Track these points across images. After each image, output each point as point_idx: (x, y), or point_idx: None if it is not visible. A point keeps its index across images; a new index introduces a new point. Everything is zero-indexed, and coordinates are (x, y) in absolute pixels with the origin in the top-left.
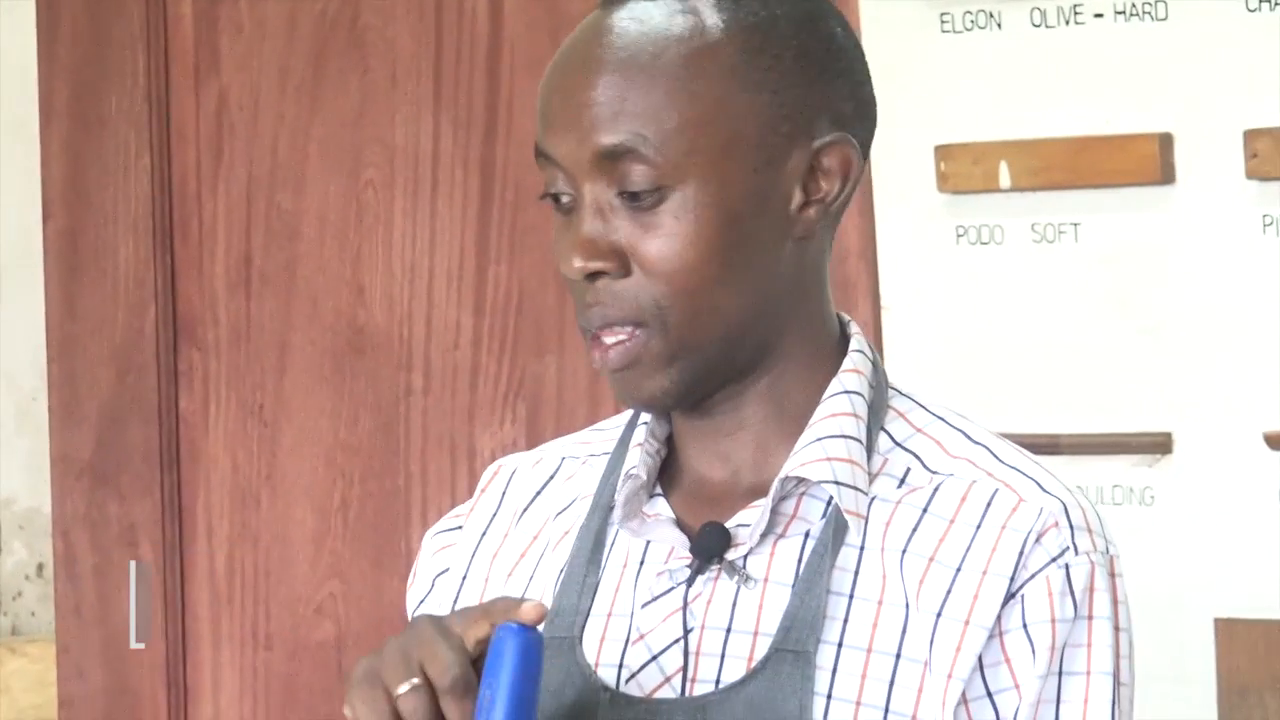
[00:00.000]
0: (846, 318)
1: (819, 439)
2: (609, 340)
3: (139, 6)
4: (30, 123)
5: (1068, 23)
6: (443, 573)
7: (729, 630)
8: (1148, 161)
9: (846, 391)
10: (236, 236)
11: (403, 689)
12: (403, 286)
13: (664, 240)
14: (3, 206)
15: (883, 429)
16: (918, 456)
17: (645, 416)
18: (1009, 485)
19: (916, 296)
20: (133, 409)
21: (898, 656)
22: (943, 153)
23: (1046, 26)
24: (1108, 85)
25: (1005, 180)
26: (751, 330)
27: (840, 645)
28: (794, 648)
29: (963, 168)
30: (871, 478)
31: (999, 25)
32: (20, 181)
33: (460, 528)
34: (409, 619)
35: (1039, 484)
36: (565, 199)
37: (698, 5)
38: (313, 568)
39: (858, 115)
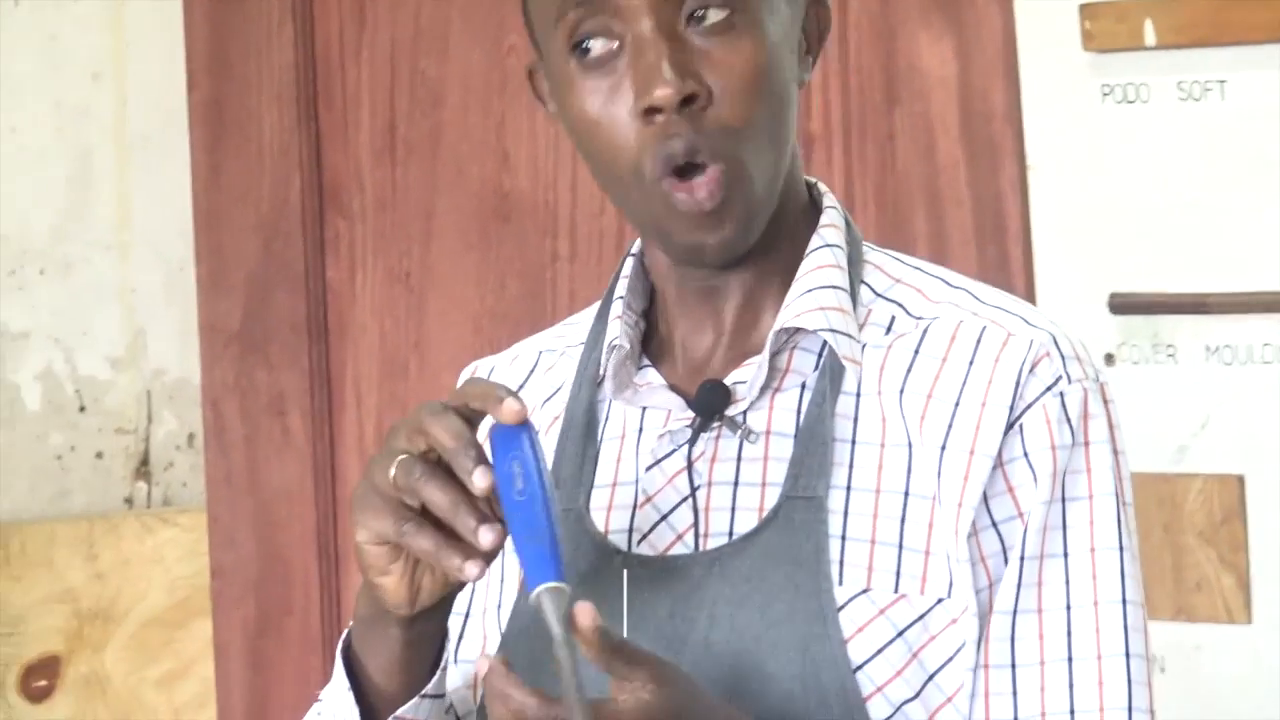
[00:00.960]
0: (812, 179)
1: (809, 290)
2: (698, 178)
3: None
4: None
5: None
6: None
7: (736, 484)
8: None
9: (828, 245)
10: (381, 104)
11: (391, 470)
12: (547, 153)
13: (742, 64)
14: (146, 77)
15: (862, 282)
16: (900, 304)
17: (620, 291)
18: (995, 322)
19: (1062, 156)
20: (280, 278)
21: (906, 494)
22: (1087, 11)
23: None
24: None
25: (1150, 38)
26: (781, 181)
27: (849, 489)
28: (804, 494)
29: (1108, 26)
30: (860, 328)
31: None
32: (165, 52)
33: None
34: None
35: (1024, 319)
36: (600, 47)
37: None
38: None
39: None
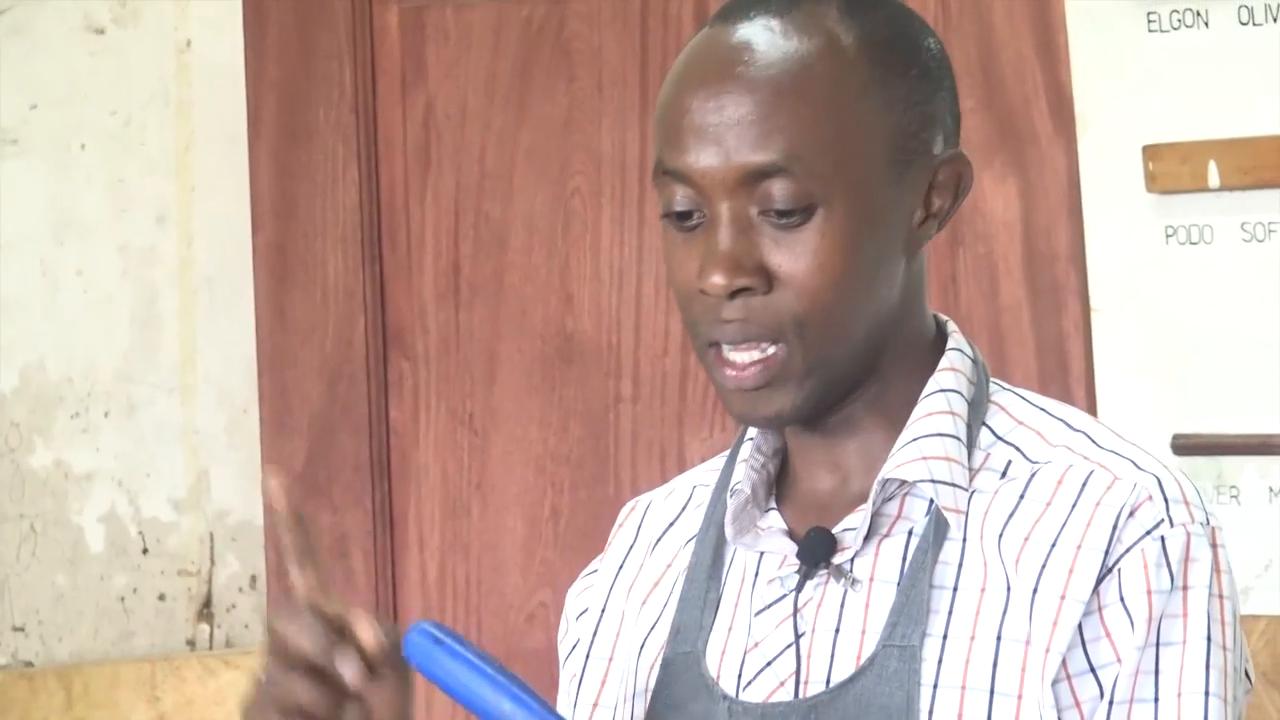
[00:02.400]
0: (944, 318)
1: (914, 439)
2: (743, 359)
3: (345, 17)
4: (239, 136)
5: (1275, 19)
6: (581, 614)
7: (837, 631)
8: None
9: (943, 390)
10: (445, 246)
11: (260, 676)
12: (611, 294)
13: (810, 257)
14: (212, 220)
15: (985, 424)
16: (1018, 449)
17: (752, 432)
18: (1104, 466)
19: (1126, 298)
20: (343, 419)
21: (999, 638)
22: (1151, 153)
23: (1254, 24)
24: None
25: (1214, 179)
26: (872, 340)
27: (945, 637)
28: (900, 643)
29: (1171, 167)
30: (974, 473)
31: (1206, 24)
32: (229, 195)
33: (596, 571)
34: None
35: (1134, 462)
36: (692, 216)
37: (825, 20)
38: (524, 577)
39: (957, 130)
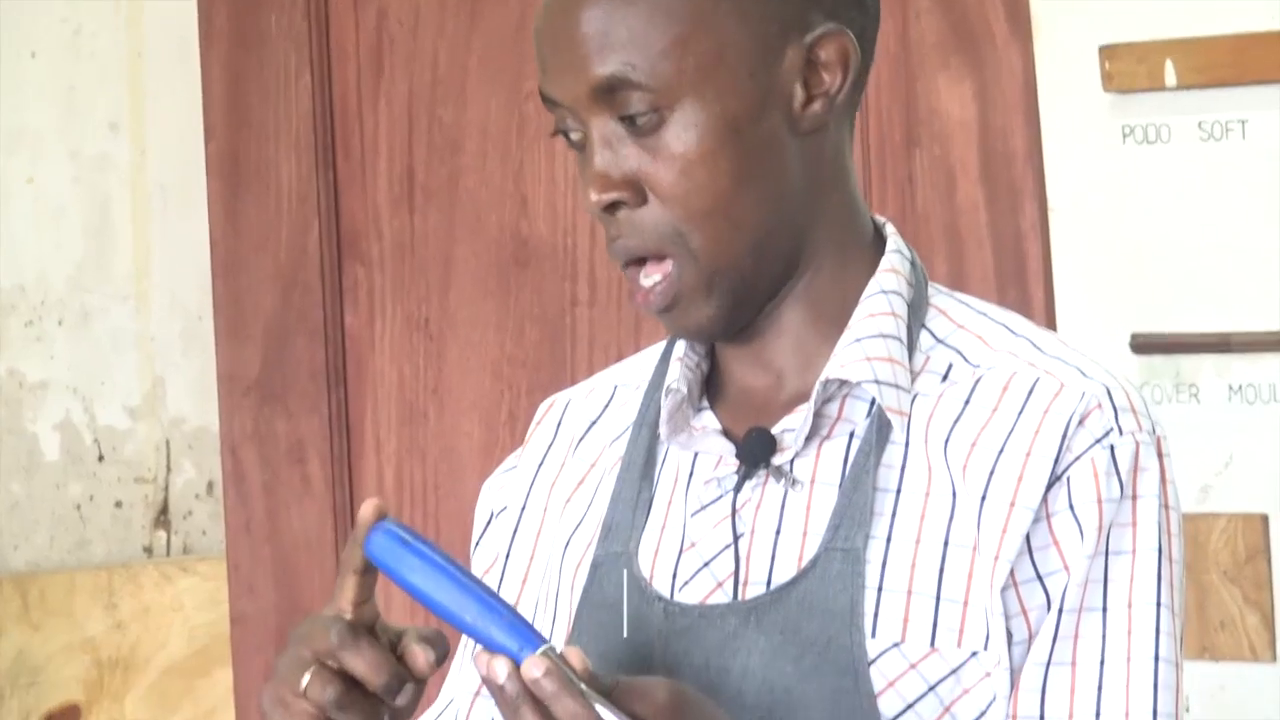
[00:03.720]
0: (881, 219)
1: (858, 339)
2: (646, 283)
3: None
4: (191, 43)
5: None
6: (501, 510)
7: (778, 533)
8: None
9: (884, 291)
10: (399, 151)
11: (304, 681)
12: (565, 197)
13: (671, 162)
14: (165, 127)
15: (924, 327)
16: (960, 352)
17: None
18: (1050, 373)
19: (1083, 198)
20: (298, 326)
21: (946, 543)
22: (1107, 53)
23: None
24: None
25: (1171, 79)
26: (777, 237)
27: (889, 539)
28: (843, 545)
29: (1128, 67)
30: (914, 375)
31: None
32: (182, 102)
33: (515, 468)
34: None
35: (1081, 370)
36: (575, 135)
37: None
38: (481, 481)
39: (853, 4)
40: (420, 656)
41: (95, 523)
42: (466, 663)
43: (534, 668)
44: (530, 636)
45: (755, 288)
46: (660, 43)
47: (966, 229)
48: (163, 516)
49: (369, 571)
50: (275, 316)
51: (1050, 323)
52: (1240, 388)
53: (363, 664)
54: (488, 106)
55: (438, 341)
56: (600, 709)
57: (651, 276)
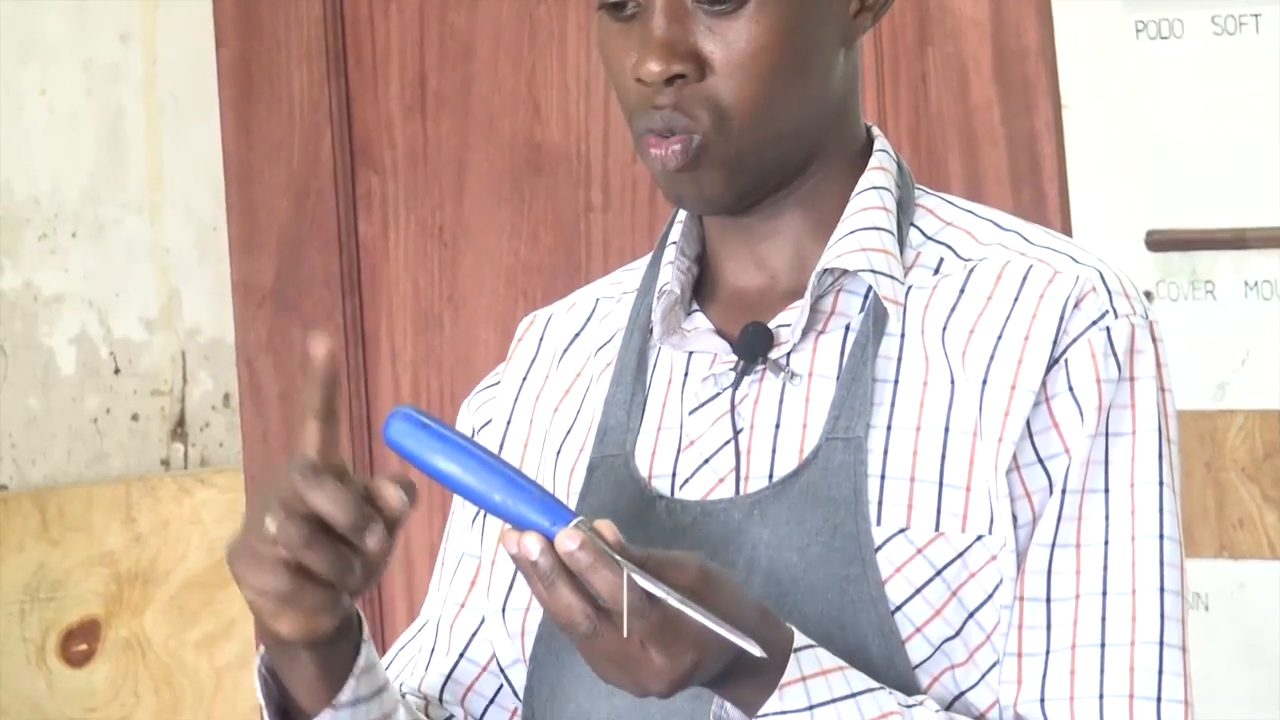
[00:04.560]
0: (870, 124)
1: (852, 231)
2: (665, 141)
3: None
4: None
5: None
6: (484, 425)
7: (778, 426)
8: None
9: (875, 187)
10: (410, 58)
11: (270, 526)
12: (579, 102)
13: (743, 44)
14: (176, 37)
15: (913, 225)
16: (950, 247)
17: (675, 236)
18: (1043, 260)
19: (1097, 94)
20: (312, 235)
21: (946, 430)
22: None
23: None
24: None
25: None
26: (804, 136)
27: (889, 428)
28: (843, 435)
29: None
30: (906, 270)
31: None
32: (193, 11)
33: (498, 383)
34: None
35: (1072, 257)
36: (627, 7)
37: None
38: None
39: None
40: (391, 492)
41: (112, 436)
42: (444, 583)
43: (568, 540)
44: (561, 512)
45: (768, 178)
46: None
47: (980, 127)
48: (180, 429)
49: (330, 417)
50: (289, 226)
51: (1065, 220)
52: (1256, 284)
53: (328, 501)
54: (499, 11)
55: (452, 249)
56: (637, 578)
57: (678, 136)
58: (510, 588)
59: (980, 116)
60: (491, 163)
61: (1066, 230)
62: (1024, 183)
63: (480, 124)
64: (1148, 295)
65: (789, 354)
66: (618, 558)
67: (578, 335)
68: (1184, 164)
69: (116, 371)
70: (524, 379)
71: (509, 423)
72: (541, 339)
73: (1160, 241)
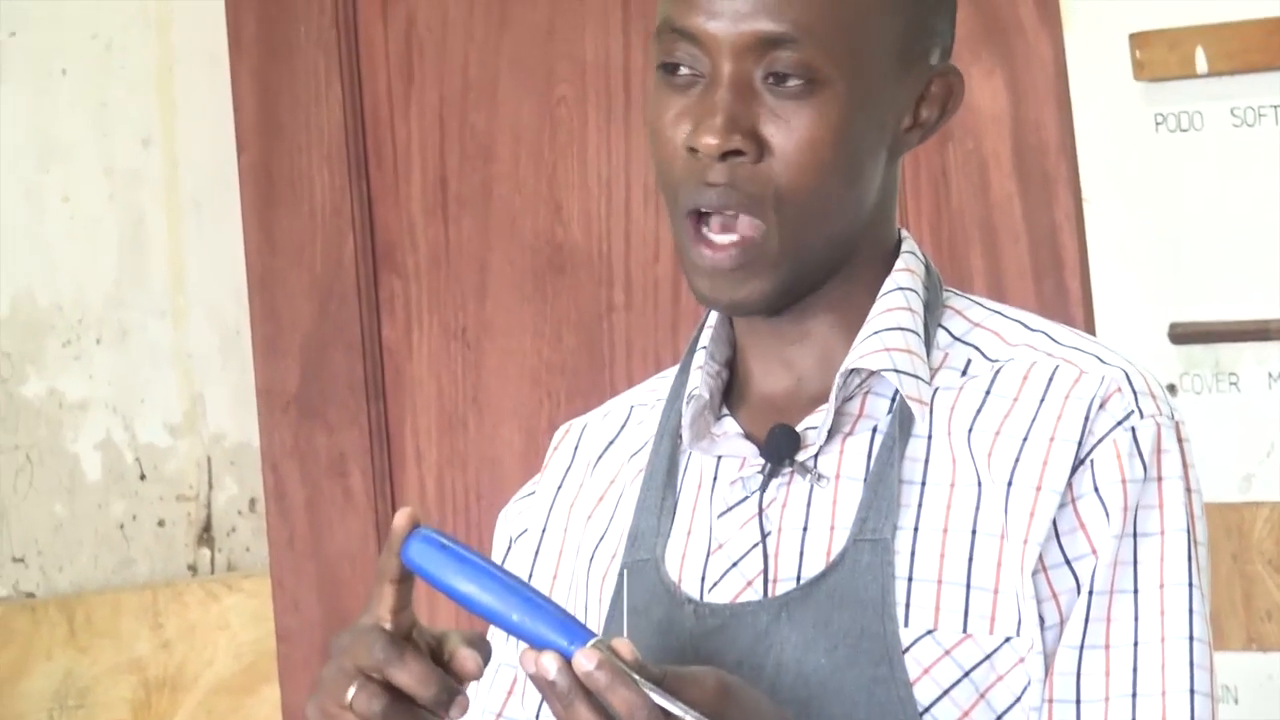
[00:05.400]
0: (903, 231)
1: (876, 332)
2: (721, 239)
3: None
4: (221, 55)
5: None
6: (520, 534)
7: (805, 529)
8: None
9: (900, 288)
10: (431, 160)
11: (349, 695)
12: (600, 202)
13: (805, 131)
14: (197, 140)
15: (941, 326)
16: (977, 348)
17: (704, 340)
18: (1069, 361)
19: (1117, 188)
20: (336, 338)
21: (974, 532)
22: (1138, 40)
23: None
24: None
25: (1202, 65)
26: (843, 239)
27: (916, 530)
28: (870, 537)
29: (1158, 54)
30: (933, 372)
31: None
32: (213, 115)
33: (534, 493)
34: None
35: (1098, 357)
36: (688, 72)
37: None
38: None
39: (951, 48)
40: (469, 661)
41: (139, 542)
42: (481, 692)
43: (586, 660)
44: (578, 631)
45: (811, 277)
46: (836, 18)
47: (1001, 222)
48: (206, 534)
49: (406, 579)
50: (312, 329)
51: (1088, 314)
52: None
53: (410, 678)
54: (519, 112)
55: (475, 350)
56: (655, 697)
57: (729, 235)
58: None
59: (1001, 211)
60: (513, 263)
61: (1089, 324)
62: (1046, 277)
63: (502, 225)
64: (1171, 389)
65: (816, 456)
66: (635, 676)
67: (612, 443)
68: (1206, 256)
69: (142, 477)
70: (559, 488)
71: (544, 531)
72: (577, 448)
73: (1183, 334)
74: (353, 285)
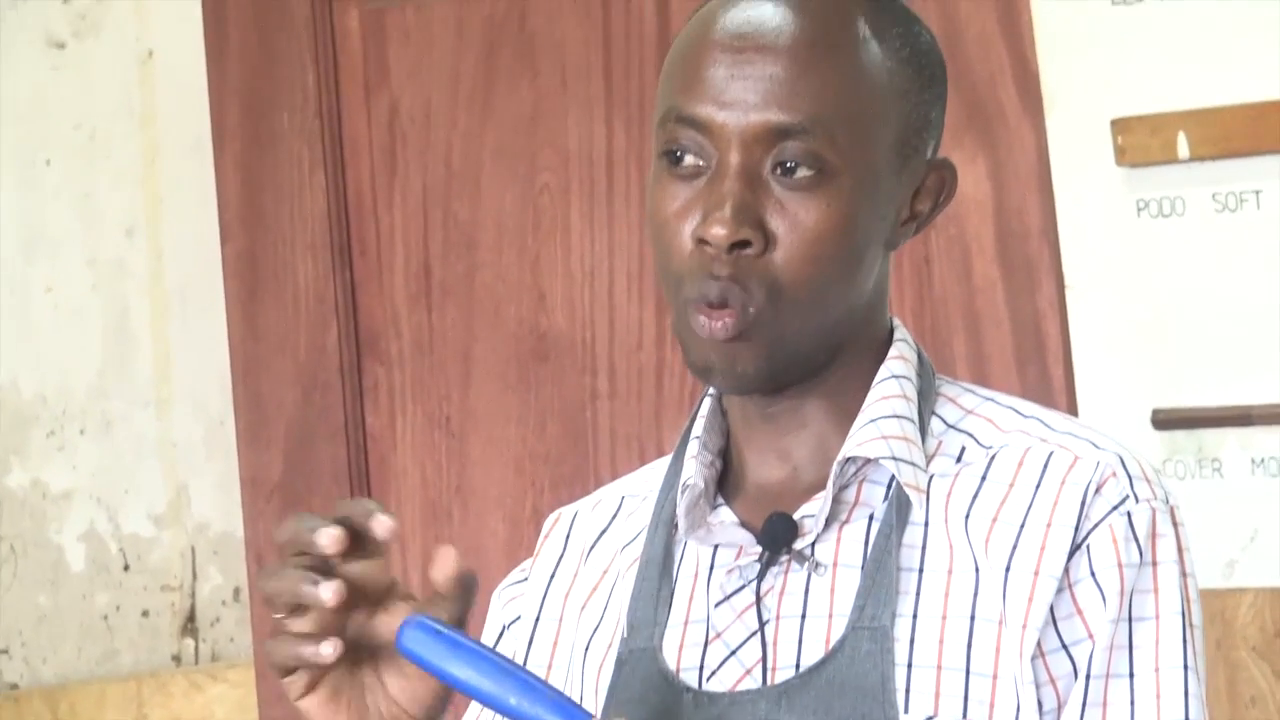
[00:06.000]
0: (895, 320)
1: (872, 420)
2: (717, 312)
3: (306, 21)
4: (204, 145)
5: None
6: (513, 621)
7: (804, 616)
8: None
9: (895, 376)
10: (415, 248)
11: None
12: (583, 290)
13: (812, 223)
14: (181, 230)
15: (935, 413)
16: (971, 435)
17: (697, 430)
18: (1064, 446)
19: (1100, 273)
20: (320, 427)
21: (972, 618)
22: (1119, 126)
23: None
24: None
25: (1184, 150)
26: (840, 327)
27: (915, 616)
28: (870, 624)
29: (1140, 140)
30: (929, 459)
31: None
32: (197, 205)
33: (526, 579)
34: None
35: (1093, 443)
36: (693, 161)
37: (852, 4)
38: None
39: (940, 141)
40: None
41: (123, 632)
42: None
43: None
44: (576, 712)
45: (805, 364)
46: (846, 110)
47: (984, 308)
48: (190, 624)
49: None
50: (296, 418)
51: (1071, 400)
52: (1263, 461)
53: (328, 538)
54: (502, 200)
55: (459, 439)
56: None
57: (729, 308)
58: None
59: (984, 297)
60: (497, 352)
61: (1073, 410)
62: (1029, 363)
63: (485, 313)
64: None
65: (813, 544)
66: None
67: (604, 532)
68: (1188, 341)
69: (126, 568)
70: (552, 576)
71: (538, 620)
72: (569, 536)
73: (1167, 420)
74: (336, 374)
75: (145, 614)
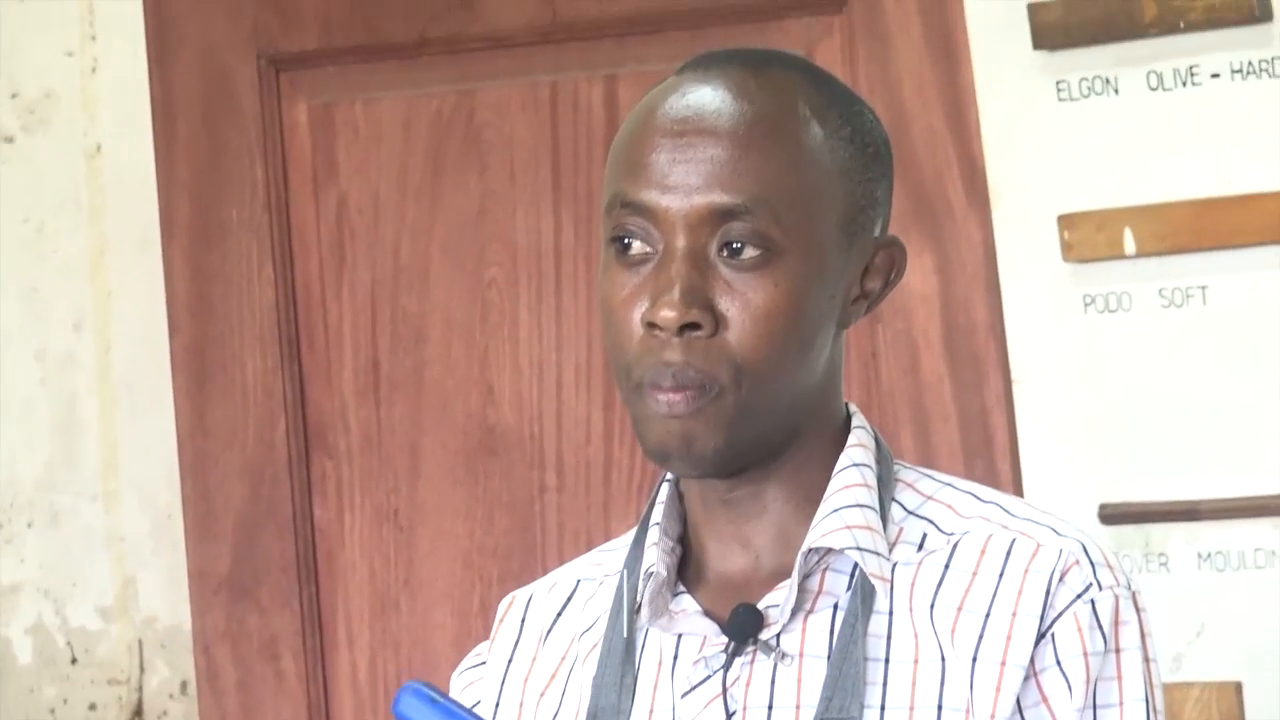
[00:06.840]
0: (851, 405)
1: (836, 510)
2: (675, 392)
3: (254, 116)
4: (153, 239)
5: (1184, 84)
6: (474, 706)
7: (770, 707)
8: (1273, 220)
9: (855, 465)
10: (363, 342)
11: None
12: (531, 384)
13: (760, 303)
14: (129, 324)
15: (894, 500)
16: (932, 521)
17: (656, 517)
18: (1025, 534)
19: (1047, 368)
20: (268, 521)
21: (939, 708)
22: (1066, 221)
23: (1164, 89)
24: (1228, 145)
25: (1130, 246)
26: (796, 408)
27: (883, 708)
28: (837, 715)
29: (1087, 236)
30: (890, 546)
31: (1115, 90)
32: (146, 298)
33: (484, 663)
34: None
35: (1054, 529)
36: (640, 247)
37: (793, 85)
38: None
39: (889, 220)
40: None
41: None
42: None
43: None
44: None
45: (761, 447)
46: (790, 190)
47: (931, 403)
48: (137, 718)
49: None
50: (244, 511)
51: (1018, 494)
52: (1210, 555)
53: None
54: (450, 294)
55: (408, 532)
56: None
57: (685, 389)
58: None
59: (931, 393)
60: (445, 446)
61: None
62: (976, 458)
63: (434, 407)
64: None
65: (779, 634)
66: None
67: (560, 614)
68: (1135, 436)
69: (73, 661)
70: (510, 660)
71: (498, 705)
72: (524, 619)
73: (1113, 515)
74: (285, 467)
75: (92, 707)
